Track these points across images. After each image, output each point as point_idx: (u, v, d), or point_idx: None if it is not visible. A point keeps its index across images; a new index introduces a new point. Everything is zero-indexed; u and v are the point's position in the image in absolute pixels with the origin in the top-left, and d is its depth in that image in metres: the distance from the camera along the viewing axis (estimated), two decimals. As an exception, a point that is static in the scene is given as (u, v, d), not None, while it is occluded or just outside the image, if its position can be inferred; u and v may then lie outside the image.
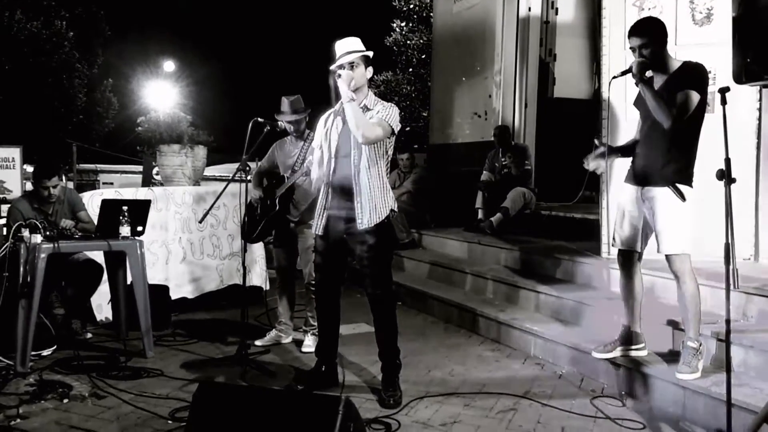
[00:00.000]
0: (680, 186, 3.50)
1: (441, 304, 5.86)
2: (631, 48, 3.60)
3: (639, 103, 3.73)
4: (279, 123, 4.64)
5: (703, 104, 3.47)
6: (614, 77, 3.76)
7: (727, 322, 2.95)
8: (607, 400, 3.73)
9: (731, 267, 2.91)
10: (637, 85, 3.56)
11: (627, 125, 4.99)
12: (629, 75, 3.57)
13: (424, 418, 3.51)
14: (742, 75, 2.75)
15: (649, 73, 3.59)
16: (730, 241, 2.91)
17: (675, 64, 3.56)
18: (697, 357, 3.51)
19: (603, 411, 3.58)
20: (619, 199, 3.86)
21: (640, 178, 3.67)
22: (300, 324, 4.99)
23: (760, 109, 4.59)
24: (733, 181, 2.95)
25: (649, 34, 3.54)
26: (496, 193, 7.26)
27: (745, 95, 4.50)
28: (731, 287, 2.93)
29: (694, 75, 3.48)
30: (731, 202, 2.92)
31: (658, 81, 3.58)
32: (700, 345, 3.53)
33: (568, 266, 5.40)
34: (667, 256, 3.55)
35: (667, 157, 3.54)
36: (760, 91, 4.47)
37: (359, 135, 3.54)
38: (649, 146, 3.64)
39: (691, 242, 3.52)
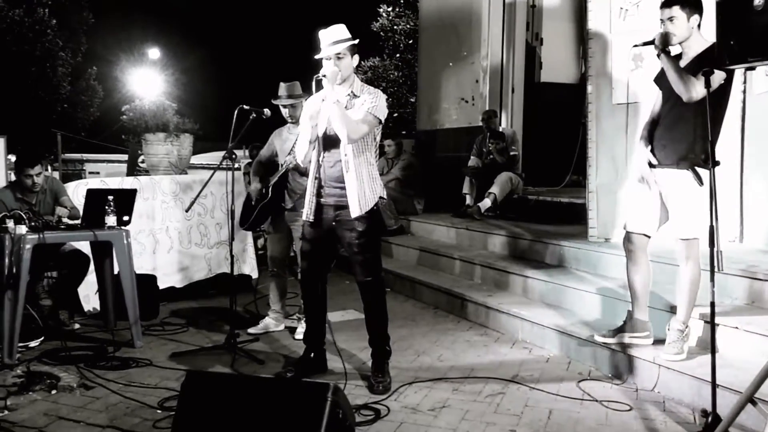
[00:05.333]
0: (699, 170, 3.42)
1: (430, 289, 5.88)
2: (660, 19, 3.51)
3: (661, 80, 3.63)
4: (265, 111, 4.62)
5: (727, 87, 3.38)
6: (635, 45, 3.67)
7: (712, 304, 2.98)
8: (594, 383, 3.76)
9: (716, 249, 2.93)
10: (658, 57, 3.48)
11: (612, 110, 5.01)
12: (628, 57, 3.53)
13: (413, 403, 3.53)
14: (725, 58, 2.75)
15: (677, 49, 3.52)
16: (714, 224, 2.93)
17: (705, 44, 3.47)
18: (683, 339, 3.55)
19: (590, 393, 3.61)
20: (633, 181, 3.78)
21: (658, 159, 3.59)
22: (294, 311, 5.00)
23: (744, 92, 4.61)
24: (717, 164, 2.97)
25: (681, 7, 3.45)
26: (484, 179, 7.28)
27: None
28: (716, 269, 2.95)
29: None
30: (715, 185, 2.94)
31: (687, 59, 3.50)
32: (687, 327, 3.56)
33: (555, 250, 5.42)
34: (678, 239, 3.51)
35: (689, 139, 3.46)
36: (745, 74, 4.48)
37: (344, 136, 3.55)
38: (669, 128, 3.57)
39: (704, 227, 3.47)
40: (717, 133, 3.43)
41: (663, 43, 3.46)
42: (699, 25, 3.51)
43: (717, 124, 3.42)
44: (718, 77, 3.33)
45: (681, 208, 3.50)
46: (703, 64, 3.38)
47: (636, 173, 3.74)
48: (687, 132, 3.48)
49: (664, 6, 3.52)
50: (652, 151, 3.64)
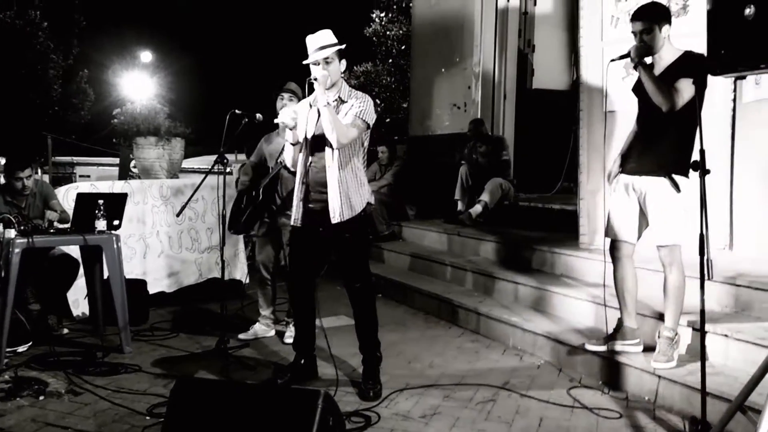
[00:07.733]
0: (676, 177, 3.47)
1: (421, 295, 5.87)
2: (632, 32, 3.57)
3: (638, 89, 3.67)
4: (257, 115, 4.61)
5: (701, 94, 3.38)
6: (612, 60, 3.71)
7: (702, 312, 2.99)
8: (585, 391, 3.77)
9: (706, 257, 2.95)
10: (635, 69, 3.54)
11: (603, 117, 5.03)
12: (619, 64, 3.56)
13: (404, 410, 3.52)
14: (716, 66, 2.77)
15: (648, 60, 3.57)
16: (704, 232, 2.94)
17: (676, 53, 3.53)
18: (673, 346, 3.56)
19: (580, 401, 3.61)
20: (612, 189, 3.82)
21: (634, 167, 3.65)
22: (283, 316, 4.98)
23: (734, 100, 4.64)
24: (708, 172, 2.98)
25: (653, 19, 3.50)
26: (475, 184, 7.29)
27: (720, 87, 4.54)
28: (706, 277, 2.96)
29: (695, 64, 3.40)
30: (705, 193, 2.95)
31: (659, 68, 3.55)
32: (677, 335, 3.58)
33: (546, 257, 5.43)
34: (657, 246, 3.56)
35: (663, 147, 3.51)
36: (735, 82, 4.51)
37: (333, 140, 3.54)
38: (645, 136, 3.62)
39: (685, 233, 3.48)
40: (693, 140, 3.47)
41: (639, 55, 3.51)
42: (668, 33, 3.55)
43: (693, 133, 3.44)
44: (690, 86, 3.36)
45: (658, 215, 3.54)
46: (674, 73, 3.42)
47: (615, 182, 3.79)
48: (663, 140, 3.53)
49: (635, 19, 3.57)
50: (628, 159, 3.70)
